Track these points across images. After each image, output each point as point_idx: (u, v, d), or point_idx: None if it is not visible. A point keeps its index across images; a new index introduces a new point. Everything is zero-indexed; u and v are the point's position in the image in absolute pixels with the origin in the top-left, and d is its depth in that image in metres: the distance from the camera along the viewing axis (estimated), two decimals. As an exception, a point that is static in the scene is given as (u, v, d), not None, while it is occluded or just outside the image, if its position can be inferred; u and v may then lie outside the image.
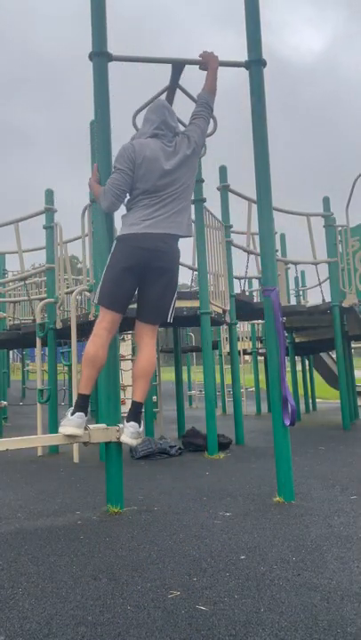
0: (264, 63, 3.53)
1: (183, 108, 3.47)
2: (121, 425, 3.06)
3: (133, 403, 3.06)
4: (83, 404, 2.99)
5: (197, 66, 3.43)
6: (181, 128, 3.35)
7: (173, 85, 3.68)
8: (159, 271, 3.02)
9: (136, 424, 3.00)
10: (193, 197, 3.26)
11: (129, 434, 3.00)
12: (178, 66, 3.56)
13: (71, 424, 2.95)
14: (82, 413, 2.97)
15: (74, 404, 3.04)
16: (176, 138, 3.19)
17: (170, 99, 3.76)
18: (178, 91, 3.72)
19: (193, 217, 5.02)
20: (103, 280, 3.05)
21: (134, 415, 3.02)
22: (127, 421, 3.03)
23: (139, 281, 3.04)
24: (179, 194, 3.10)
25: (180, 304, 5.43)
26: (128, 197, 3.16)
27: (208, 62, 3.39)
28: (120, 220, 3.19)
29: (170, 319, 3.09)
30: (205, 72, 3.39)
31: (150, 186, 3.05)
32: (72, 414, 2.97)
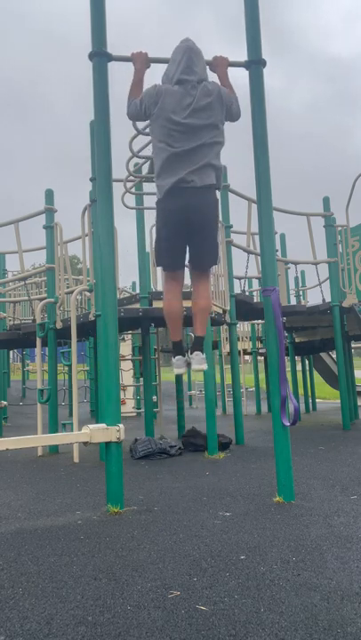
0: (264, 63, 3.52)
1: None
2: (185, 357, 3.36)
3: (196, 337, 3.37)
4: (179, 349, 3.39)
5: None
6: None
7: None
8: (198, 226, 3.19)
9: (200, 352, 3.32)
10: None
11: (198, 361, 3.31)
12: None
13: (176, 366, 3.38)
14: (180, 356, 3.37)
15: (173, 350, 3.43)
16: (199, 85, 3.17)
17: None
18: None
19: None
20: (155, 246, 3.32)
21: (199, 346, 3.34)
22: (192, 352, 3.33)
23: (185, 236, 3.23)
24: (201, 147, 3.13)
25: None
26: (152, 145, 3.27)
27: (217, 65, 3.38)
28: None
29: (218, 261, 3.44)
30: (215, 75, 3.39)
31: (170, 138, 3.12)
32: (175, 358, 3.38)
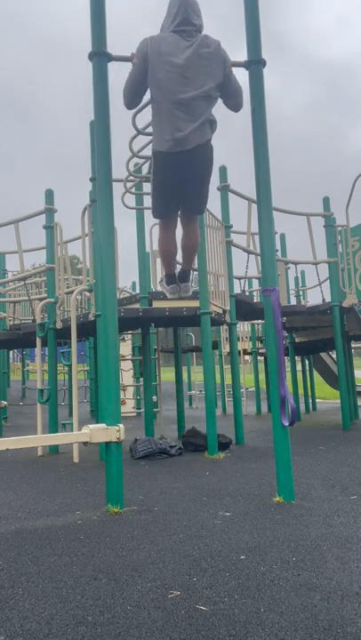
0: (264, 63, 3.52)
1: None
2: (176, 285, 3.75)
3: (184, 270, 3.72)
4: (172, 279, 3.74)
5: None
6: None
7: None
8: (195, 178, 3.27)
9: (187, 283, 3.75)
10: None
11: (185, 290, 3.75)
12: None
13: (170, 292, 3.78)
14: (173, 285, 3.74)
15: (165, 279, 3.75)
16: (199, 34, 3.12)
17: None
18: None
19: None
20: (152, 197, 3.43)
21: (186, 277, 3.74)
22: (181, 282, 3.73)
23: (182, 188, 3.31)
24: (200, 100, 3.09)
25: (180, 304, 5.44)
26: (151, 98, 3.22)
27: None
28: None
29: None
30: None
31: (170, 82, 3.06)
32: (169, 286, 3.74)
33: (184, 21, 3.11)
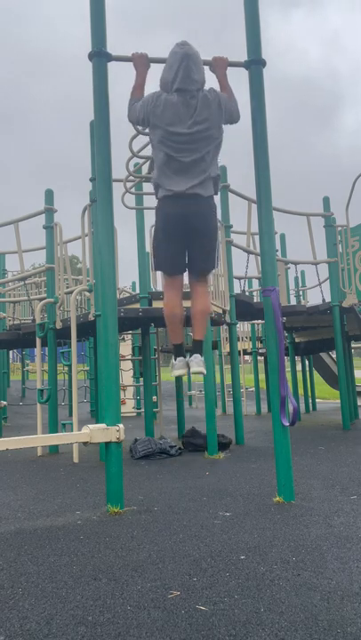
0: (264, 63, 3.52)
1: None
2: (185, 359, 3.36)
3: (195, 341, 3.37)
4: (180, 351, 3.40)
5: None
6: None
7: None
8: (196, 231, 3.21)
9: (199, 355, 3.30)
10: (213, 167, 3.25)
11: (197, 364, 3.27)
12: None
13: (176, 368, 3.36)
14: (181, 357, 3.37)
15: (173, 352, 3.44)
16: (200, 93, 3.17)
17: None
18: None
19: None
20: (153, 248, 3.37)
21: (198, 349, 3.33)
22: (191, 355, 3.31)
23: (184, 241, 3.23)
24: (201, 161, 3.15)
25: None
26: (152, 151, 3.30)
27: (217, 66, 3.37)
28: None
29: (216, 265, 3.41)
30: (215, 76, 3.39)
31: (170, 149, 3.14)
32: (175, 360, 3.38)
33: (186, 79, 3.14)
